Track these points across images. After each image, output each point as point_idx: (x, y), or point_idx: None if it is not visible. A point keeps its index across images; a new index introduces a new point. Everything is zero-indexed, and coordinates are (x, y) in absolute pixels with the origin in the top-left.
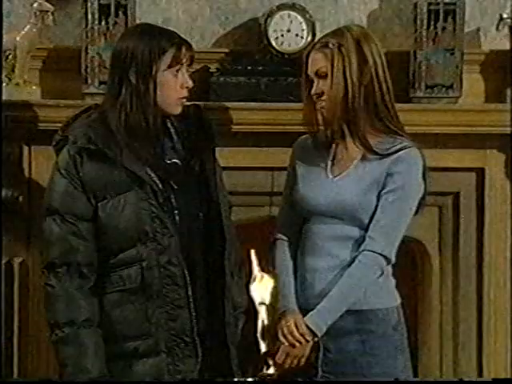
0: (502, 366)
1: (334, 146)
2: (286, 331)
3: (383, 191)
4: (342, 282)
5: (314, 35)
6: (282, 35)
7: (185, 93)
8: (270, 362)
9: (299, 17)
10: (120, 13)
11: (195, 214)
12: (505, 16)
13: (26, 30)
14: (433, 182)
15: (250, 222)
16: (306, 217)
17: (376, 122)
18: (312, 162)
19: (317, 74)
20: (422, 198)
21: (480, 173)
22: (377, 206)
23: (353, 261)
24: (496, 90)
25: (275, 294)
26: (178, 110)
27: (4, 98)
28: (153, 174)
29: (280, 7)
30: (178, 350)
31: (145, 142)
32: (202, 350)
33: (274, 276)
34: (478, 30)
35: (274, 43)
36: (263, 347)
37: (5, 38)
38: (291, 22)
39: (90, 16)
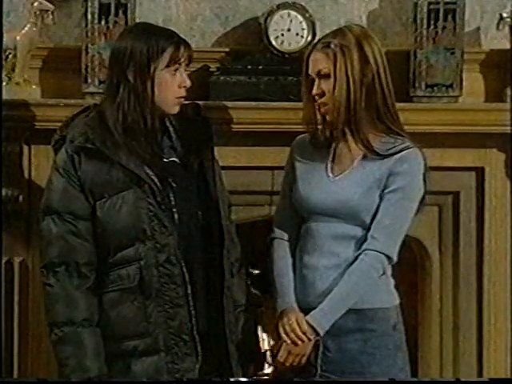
0: (502, 365)
1: (333, 145)
2: (288, 329)
3: (385, 191)
4: (344, 280)
5: (314, 34)
6: (282, 34)
7: (183, 92)
8: (270, 361)
9: (299, 16)
10: (120, 12)
11: (194, 212)
12: (505, 15)
13: (26, 29)
14: (433, 181)
15: (250, 221)
16: (306, 216)
17: (377, 122)
18: (312, 161)
19: (318, 74)
20: (422, 199)
21: (480, 172)
22: (379, 206)
23: (354, 260)
24: (496, 89)
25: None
26: (175, 110)
27: (4, 97)
28: (151, 173)
29: (280, 6)
30: (177, 349)
31: (143, 140)
32: (201, 349)
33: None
34: (478, 29)
35: (274, 42)
36: (263, 346)
37: (5, 37)
38: (291, 21)
39: (90, 15)
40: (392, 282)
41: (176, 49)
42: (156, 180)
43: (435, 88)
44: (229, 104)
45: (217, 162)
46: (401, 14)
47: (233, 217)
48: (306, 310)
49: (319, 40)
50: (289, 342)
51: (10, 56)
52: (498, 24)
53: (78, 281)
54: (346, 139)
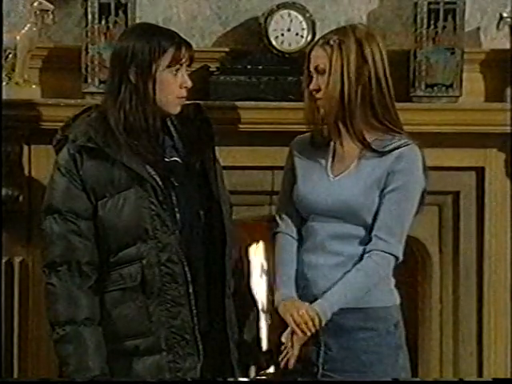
0: (502, 365)
1: (332, 145)
2: (299, 320)
3: (386, 190)
4: (352, 275)
5: (314, 34)
6: (282, 34)
7: (184, 93)
8: (272, 360)
9: (299, 16)
10: (120, 12)
11: (195, 211)
12: (505, 15)
13: (26, 29)
14: (433, 181)
15: (250, 221)
16: (307, 216)
17: (373, 120)
18: (311, 161)
19: (316, 69)
20: (422, 198)
21: (480, 172)
22: (379, 205)
23: (360, 259)
24: (496, 89)
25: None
26: (176, 110)
27: (4, 97)
28: (153, 172)
29: (280, 6)
30: (179, 348)
31: (144, 140)
32: (202, 348)
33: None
34: (478, 29)
35: (274, 42)
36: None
37: (5, 37)
38: (291, 21)
39: (90, 15)
40: (393, 281)
41: (177, 49)
42: (158, 179)
43: (435, 88)
44: (229, 104)
45: (218, 162)
46: (401, 14)
47: (233, 216)
48: None
49: (322, 36)
50: (300, 334)
51: (10, 56)
52: (498, 24)
53: (79, 280)
54: (342, 137)
